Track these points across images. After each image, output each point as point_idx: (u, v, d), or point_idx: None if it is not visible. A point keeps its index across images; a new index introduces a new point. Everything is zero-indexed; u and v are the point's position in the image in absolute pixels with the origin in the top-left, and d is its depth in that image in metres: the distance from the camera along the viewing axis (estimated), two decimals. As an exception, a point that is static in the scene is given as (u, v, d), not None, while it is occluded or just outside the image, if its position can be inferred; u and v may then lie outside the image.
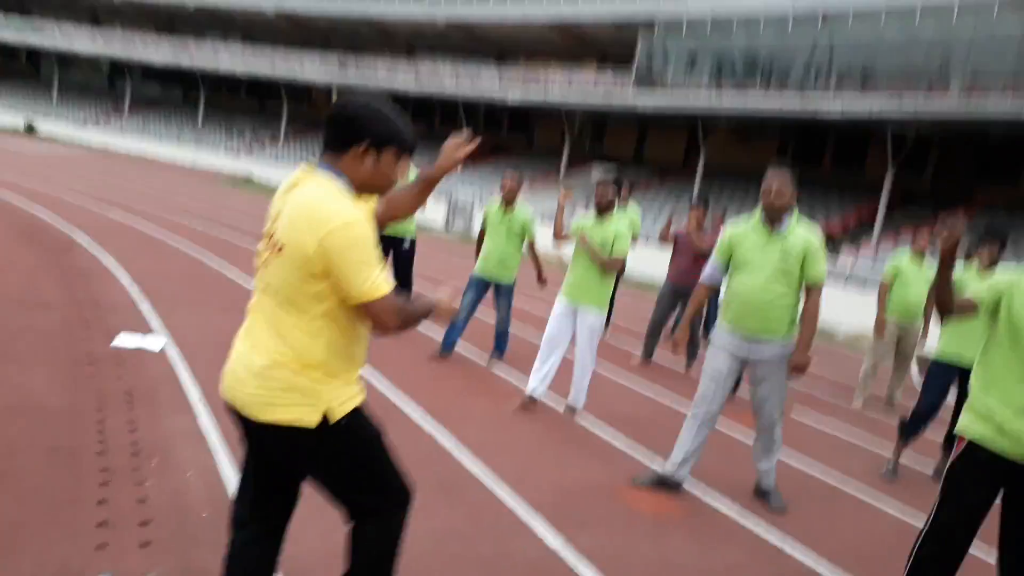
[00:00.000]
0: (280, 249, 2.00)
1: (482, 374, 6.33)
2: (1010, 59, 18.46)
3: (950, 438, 4.85)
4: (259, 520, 2.25)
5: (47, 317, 5.73)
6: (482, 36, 32.90)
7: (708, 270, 4.40)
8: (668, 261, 7.85)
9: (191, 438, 3.96)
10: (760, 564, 3.61)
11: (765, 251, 4.13)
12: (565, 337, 5.43)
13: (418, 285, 8.25)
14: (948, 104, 18.19)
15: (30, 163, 20.22)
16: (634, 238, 8.49)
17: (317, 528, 3.17)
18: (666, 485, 4.30)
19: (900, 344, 7.14)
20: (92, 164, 24.18)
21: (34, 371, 4.55)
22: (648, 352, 7.78)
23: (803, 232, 4.15)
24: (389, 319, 2.02)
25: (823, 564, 3.70)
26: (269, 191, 27.47)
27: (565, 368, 5.66)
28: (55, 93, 42.25)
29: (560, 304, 5.42)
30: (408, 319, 2.08)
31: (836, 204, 22.29)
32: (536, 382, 5.43)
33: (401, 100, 36.65)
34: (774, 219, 4.14)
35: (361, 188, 2.09)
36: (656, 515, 3.97)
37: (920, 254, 6.98)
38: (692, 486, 4.44)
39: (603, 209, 5.40)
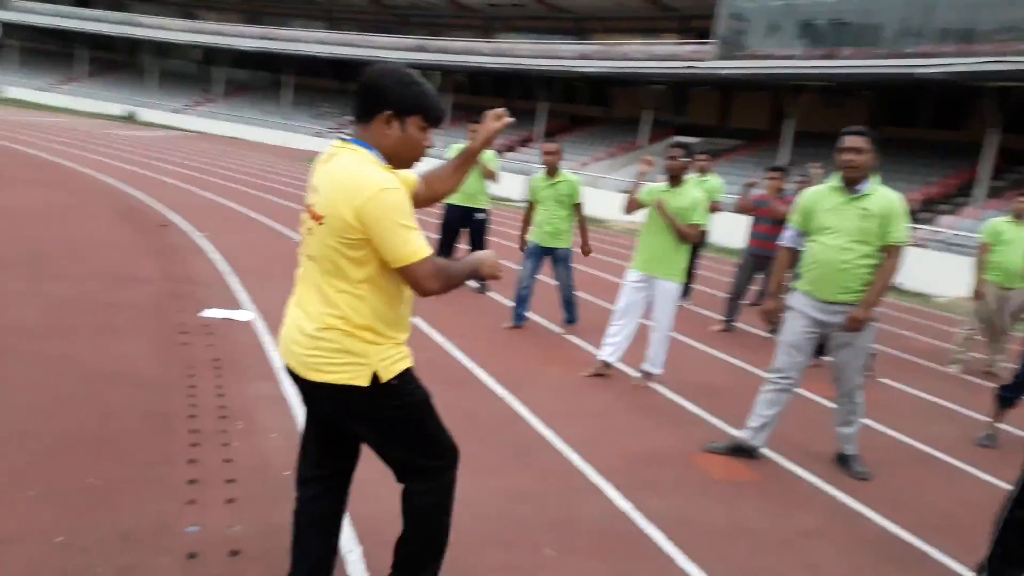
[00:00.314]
0: (320, 220, 2.06)
1: (556, 342, 6.35)
2: None
3: None
4: (322, 477, 2.36)
5: (143, 291, 6.06)
6: (562, 8, 32.55)
7: (787, 234, 4.29)
8: (748, 227, 7.65)
9: (274, 403, 4.13)
10: (837, 529, 3.52)
11: (844, 213, 3.99)
12: (639, 308, 5.37)
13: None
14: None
15: (130, 148, 21.29)
16: (716, 207, 8.33)
17: (389, 487, 3.27)
18: (742, 452, 4.22)
19: (1000, 309, 6.77)
20: (186, 147, 25.25)
21: (131, 342, 4.83)
22: (729, 319, 7.62)
23: (884, 192, 3.99)
24: (429, 282, 2.06)
25: (905, 530, 3.57)
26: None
27: (639, 337, 5.59)
28: (153, 82, 44.18)
29: (633, 275, 5.36)
30: (449, 280, 2.12)
31: (934, 167, 21.13)
32: (610, 349, 5.41)
33: (478, 76, 36.82)
34: (852, 180, 3.99)
35: (392, 158, 2.12)
36: (730, 481, 3.92)
37: (1020, 216, 6.60)
38: (770, 452, 4.35)
39: (676, 176, 5.29)
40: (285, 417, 3.95)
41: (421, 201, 2.43)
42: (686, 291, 8.80)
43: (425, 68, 38.13)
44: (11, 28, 47.57)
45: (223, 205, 12.38)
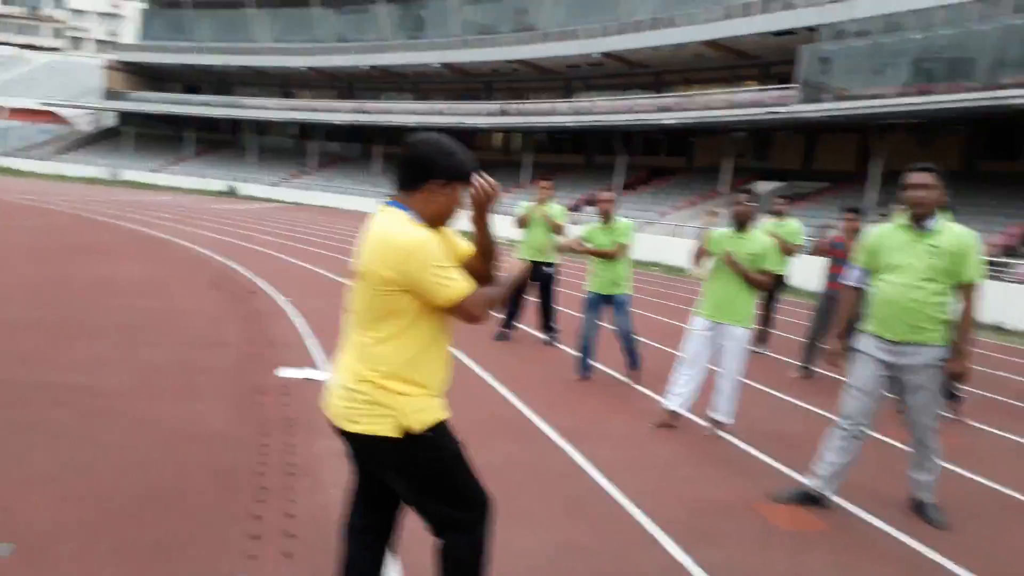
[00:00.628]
0: (361, 277, 2.24)
1: (621, 392, 6.31)
2: None
3: None
4: (368, 527, 2.45)
5: (225, 355, 6.40)
6: (638, 64, 32.94)
7: (853, 273, 4.20)
8: (825, 270, 7.45)
9: (340, 458, 4.18)
10: (909, 583, 3.34)
11: (912, 250, 3.89)
12: (706, 355, 5.30)
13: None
14: None
15: (228, 221, 22.61)
16: (793, 251, 8.18)
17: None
18: (811, 500, 4.07)
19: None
20: (281, 218, 26.60)
21: (210, 403, 5.10)
22: (807, 365, 7.39)
23: (954, 229, 3.89)
24: (478, 312, 2.24)
25: (985, 584, 3.35)
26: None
27: (708, 385, 5.50)
28: (253, 158, 46.96)
29: (700, 322, 5.31)
30: (494, 303, 2.31)
31: (1037, 200, 20.01)
32: (678, 400, 5.34)
33: (557, 135, 37.48)
34: (920, 217, 3.90)
35: (434, 220, 2.29)
36: (796, 531, 3.78)
37: None
38: (840, 500, 4.17)
39: (743, 223, 5.27)
40: (346, 471, 4.07)
41: (472, 271, 2.41)
42: (764, 337, 8.60)
43: (507, 130, 39.25)
44: (127, 116, 51.86)
45: (310, 271, 12.95)
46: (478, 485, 2.36)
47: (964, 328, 3.86)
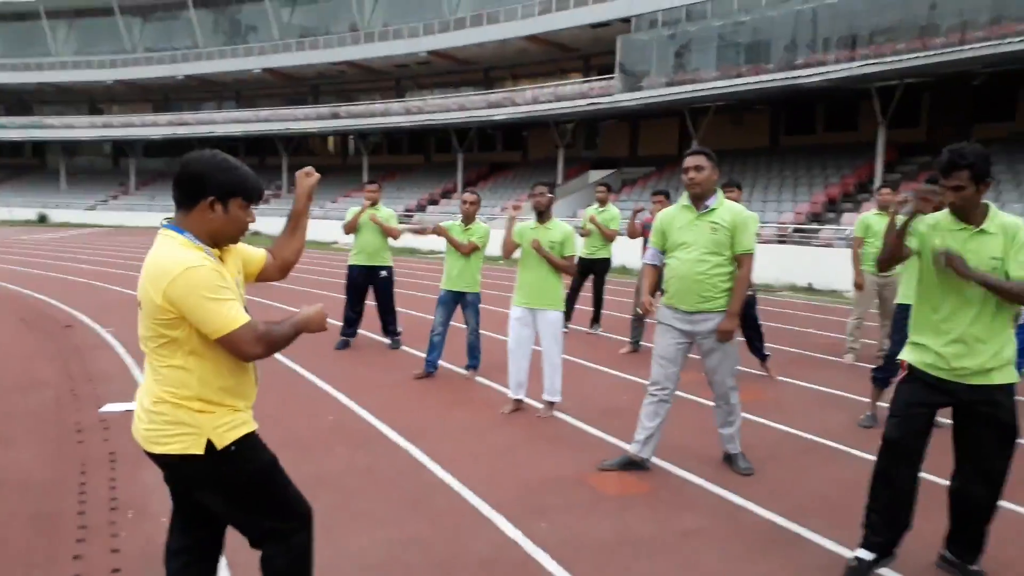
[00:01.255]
0: (139, 305, 2.20)
1: (462, 386, 6.46)
2: (985, 1, 18.43)
3: None
4: (189, 547, 2.42)
5: (40, 396, 5.97)
6: (466, 61, 33.31)
7: (648, 253, 4.52)
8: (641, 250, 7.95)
9: (167, 489, 4.12)
10: (718, 526, 3.69)
11: (695, 229, 4.25)
12: (528, 341, 5.56)
13: (402, 306, 8.44)
14: (928, 54, 18.05)
15: (37, 252, 20.84)
16: (614, 235, 8.64)
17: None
18: (633, 466, 4.38)
19: (881, 296, 7.17)
20: (99, 243, 24.82)
21: (25, 448, 4.77)
22: (636, 341, 7.86)
23: (730, 206, 4.30)
24: (249, 347, 2.17)
25: (783, 517, 3.77)
26: (278, 244, 27.88)
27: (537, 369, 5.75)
28: (62, 181, 43.42)
29: (517, 310, 5.55)
30: (273, 343, 2.22)
31: (834, 169, 22.15)
32: (514, 386, 5.60)
33: (394, 135, 37.28)
34: (697, 198, 4.27)
35: (215, 238, 2.25)
36: (622, 496, 4.06)
37: (886, 209, 7.04)
38: (661, 461, 4.52)
39: (543, 213, 5.54)
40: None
41: (273, 272, 2.56)
42: (597, 318, 9.05)
43: (340, 133, 38.55)
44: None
45: (133, 296, 12.20)
46: (295, 494, 2.38)
47: (737, 293, 4.24)
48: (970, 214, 3.02)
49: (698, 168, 4.23)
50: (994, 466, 3.08)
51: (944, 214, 3.10)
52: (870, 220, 7.15)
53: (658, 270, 4.50)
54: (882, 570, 3.22)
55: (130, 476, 4.28)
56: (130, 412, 5.33)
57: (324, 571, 3.17)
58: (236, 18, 40.05)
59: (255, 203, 2.29)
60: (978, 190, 2.96)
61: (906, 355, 3.21)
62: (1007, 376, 3.04)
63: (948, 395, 3.08)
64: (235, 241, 2.33)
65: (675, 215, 4.37)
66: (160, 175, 44.17)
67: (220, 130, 38.09)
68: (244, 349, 2.17)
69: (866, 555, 3.16)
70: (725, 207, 4.28)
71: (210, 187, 2.19)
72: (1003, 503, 3.94)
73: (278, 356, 7.49)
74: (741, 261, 4.24)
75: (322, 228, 30.02)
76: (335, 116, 35.50)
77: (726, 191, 7.50)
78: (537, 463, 4.57)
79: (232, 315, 2.13)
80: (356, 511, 3.82)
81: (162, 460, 2.24)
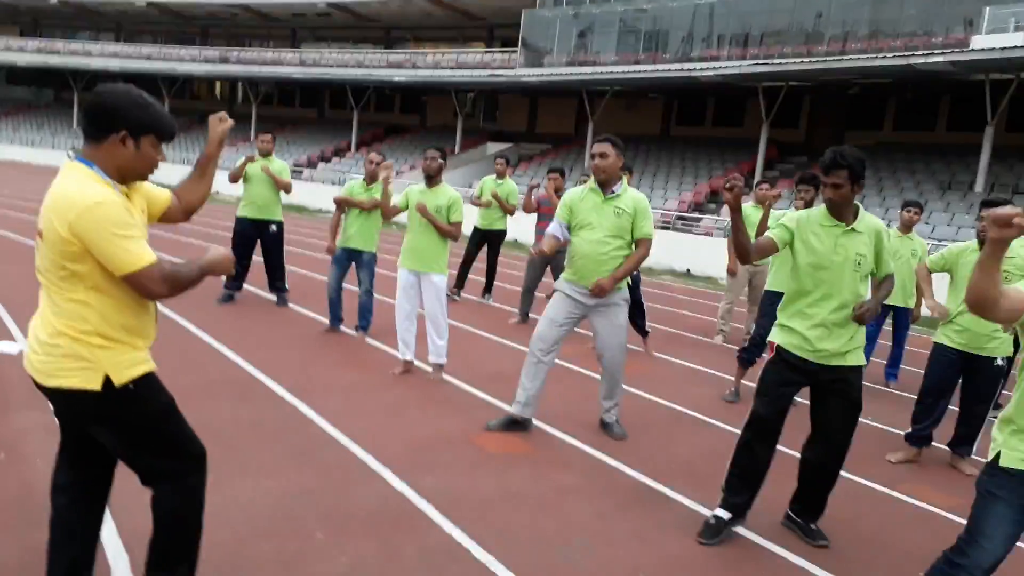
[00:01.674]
0: (41, 235, 2.14)
1: (354, 347, 6.50)
2: (865, 16, 19.75)
3: None
4: (76, 483, 2.41)
5: None
6: (367, 17, 32.50)
7: (553, 225, 4.68)
8: (535, 225, 8.18)
9: (43, 431, 3.99)
10: (592, 484, 3.96)
11: (600, 212, 4.48)
12: (414, 304, 5.66)
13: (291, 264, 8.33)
14: (811, 60, 19.16)
15: None
16: (511, 209, 8.82)
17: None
18: (517, 426, 4.60)
19: (752, 283, 7.69)
20: (-43, 176, 22.87)
21: None
22: (524, 312, 8.10)
23: (633, 193, 4.54)
24: (155, 286, 2.16)
25: (651, 478, 4.09)
26: (156, 190, 26.51)
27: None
28: (-88, 104, 39.56)
29: (403, 273, 5.64)
30: (178, 283, 2.22)
31: (719, 161, 23.23)
32: (403, 348, 5.69)
33: (286, 87, 35.97)
34: (603, 183, 4.49)
35: (123, 174, 2.21)
36: (504, 454, 4.26)
37: (761, 202, 7.53)
38: (544, 424, 4.77)
39: (432, 177, 5.62)
40: (54, 443, 3.82)
41: (177, 214, 2.54)
42: (489, 288, 9.24)
43: (229, 79, 36.82)
44: None
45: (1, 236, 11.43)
46: (191, 435, 2.39)
47: (627, 264, 4.48)
48: (843, 212, 3.37)
49: (603, 155, 4.45)
50: (841, 437, 3.49)
51: (819, 211, 3.43)
52: (747, 212, 7.63)
53: (558, 242, 4.64)
54: (736, 528, 3.57)
55: (2, 419, 4.11)
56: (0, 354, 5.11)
57: (212, 519, 3.19)
58: (122, -56, 37.36)
59: (167, 142, 2.27)
60: (853, 189, 3.30)
61: (775, 336, 3.55)
62: (858, 359, 3.45)
63: (808, 375, 3.44)
64: (143, 179, 2.30)
65: (583, 196, 4.58)
66: (26, 106, 40.97)
67: (96, 63, 35.60)
68: (149, 288, 2.16)
69: (724, 514, 3.50)
70: (628, 194, 4.53)
71: (123, 121, 2.15)
72: (842, 473, 4.43)
73: (158, 304, 7.26)
74: (640, 243, 4.51)
75: (205, 177, 28.61)
76: (224, 60, 33.91)
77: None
78: (425, 422, 4.71)
79: (139, 253, 2.11)
80: (242, 462, 3.84)
81: (56, 394, 2.20)
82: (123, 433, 2.27)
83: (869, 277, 3.48)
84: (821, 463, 3.54)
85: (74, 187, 2.10)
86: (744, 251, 3.43)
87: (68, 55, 36.55)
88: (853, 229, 3.37)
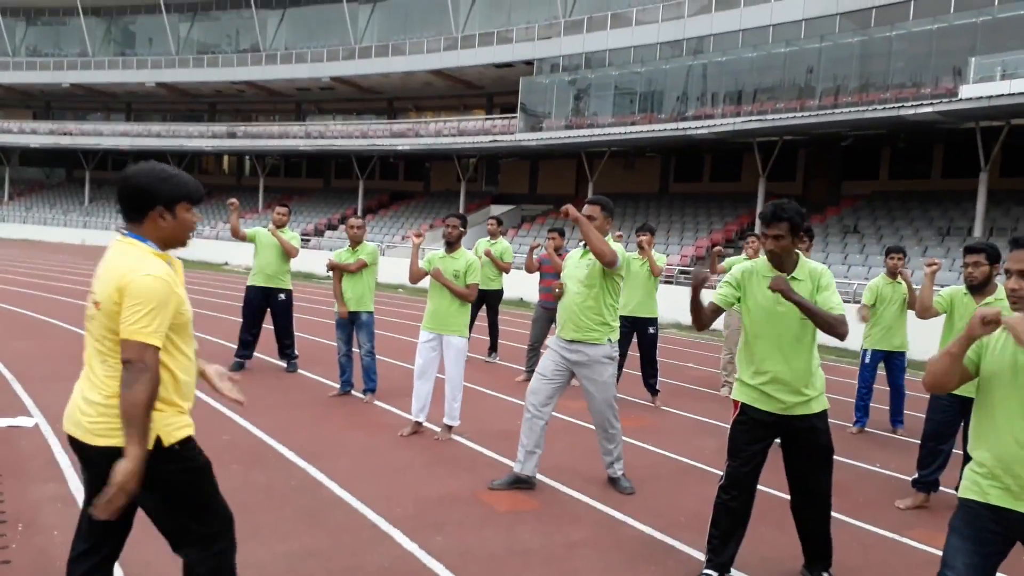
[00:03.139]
0: (97, 305, 2.29)
1: (359, 409, 6.58)
2: (855, 69, 20.29)
3: None
4: (96, 549, 2.46)
5: (-89, 409, 5.69)
6: (370, 90, 33.43)
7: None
8: (538, 284, 8.33)
9: (60, 502, 4.08)
10: (600, 538, 4.00)
11: (578, 266, 4.69)
12: (434, 365, 5.78)
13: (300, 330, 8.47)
14: (804, 115, 19.60)
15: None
16: (507, 268, 8.98)
17: (178, 564, 3.39)
18: (522, 484, 4.65)
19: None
20: (-29, 256, 23.29)
21: None
22: (531, 369, 8.18)
23: (613, 245, 4.68)
24: (140, 367, 2.19)
25: (658, 531, 4.13)
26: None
27: (439, 394, 5.96)
28: (-72, 188, 40.50)
29: (424, 335, 5.77)
30: (151, 389, 2.22)
31: (717, 215, 23.53)
32: (416, 409, 5.79)
33: (292, 159, 36.80)
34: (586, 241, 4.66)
35: (168, 243, 2.40)
36: (512, 511, 4.31)
37: (755, 253, 7.71)
38: (550, 480, 4.82)
39: (451, 244, 5.81)
40: (71, 514, 3.90)
41: None
42: (494, 347, 9.34)
43: (236, 154, 37.70)
44: None
45: (11, 312, 11.63)
46: (222, 501, 2.49)
47: (595, 233, 4.48)
48: (784, 262, 3.48)
49: (591, 218, 4.63)
50: (818, 483, 3.53)
51: (761, 261, 3.55)
52: (741, 265, 7.79)
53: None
54: (742, 576, 3.60)
55: (18, 491, 4.19)
56: (12, 428, 5.22)
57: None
58: (130, 28, 38.78)
59: (198, 204, 2.43)
60: (793, 241, 3.43)
61: (737, 394, 3.60)
62: (821, 404, 3.50)
63: (776, 427, 3.49)
64: (184, 244, 2.47)
65: (573, 254, 4.80)
66: (38, 186, 41.91)
67: (107, 142, 36.60)
68: (133, 360, 2.20)
69: (713, 573, 3.51)
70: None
71: (157, 198, 2.33)
72: (851, 520, 4.45)
73: (170, 376, 7.36)
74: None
75: (214, 249, 29.23)
76: (231, 135, 34.81)
77: (639, 234, 7.97)
78: (433, 482, 4.76)
79: (156, 331, 2.22)
80: (254, 526, 3.90)
81: (104, 452, 2.26)
82: (164, 492, 2.35)
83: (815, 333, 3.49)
84: (808, 513, 3.58)
85: (128, 258, 2.29)
86: (699, 322, 3.58)
87: (80, 136, 37.57)
88: (794, 278, 3.45)
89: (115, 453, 2.23)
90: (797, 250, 3.52)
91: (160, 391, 2.27)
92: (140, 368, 2.20)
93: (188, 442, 2.38)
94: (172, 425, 2.32)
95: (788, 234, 3.40)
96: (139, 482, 2.21)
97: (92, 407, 2.29)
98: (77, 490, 4.21)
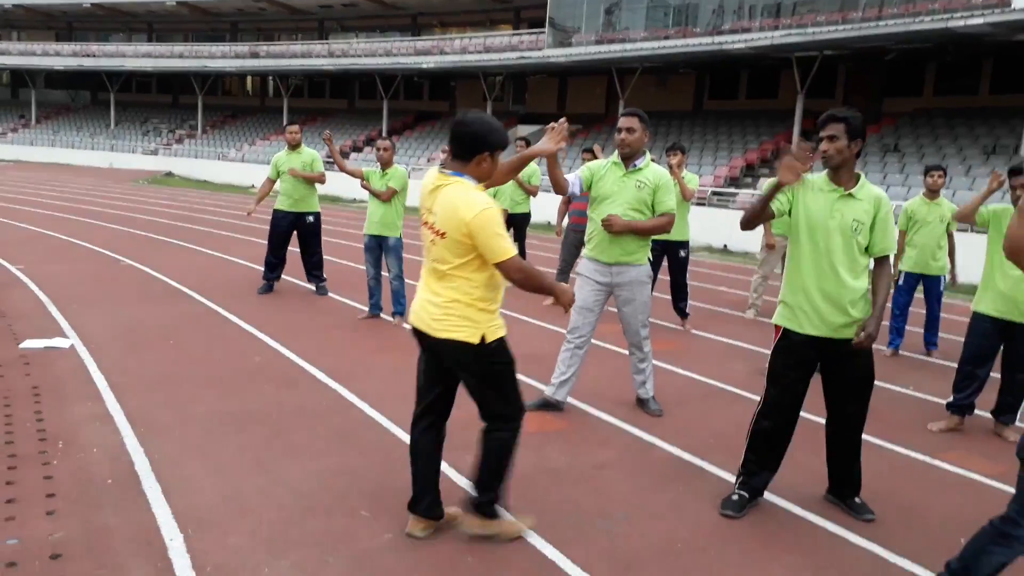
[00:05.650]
0: (443, 235, 2.84)
1: (389, 332, 6.62)
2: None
3: None
4: (428, 414, 3.17)
5: (-48, 330, 5.82)
6: (394, 6, 32.57)
7: (573, 176, 4.56)
8: (568, 207, 8.20)
9: (98, 421, 4.17)
10: (628, 460, 4.00)
11: (621, 185, 4.48)
12: None
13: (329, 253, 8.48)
14: (846, 28, 18.74)
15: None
16: (534, 191, 8.82)
17: (211, 481, 3.46)
18: (550, 407, 4.65)
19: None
20: (0, 178, 23.53)
21: (-61, 380, 4.68)
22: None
23: (655, 168, 4.54)
24: (513, 273, 2.85)
25: (687, 452, 4.13)
26: (193, 184, 27.05)
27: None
28: (-43, 111, 40.71)
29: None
30: (529, 279, 2.90)
31: (753, 134, 22.89)
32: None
33: (316, 79, 36.26)
34: (627, 157, 4.50)
35: (479, 180, 2.92)
36: (540, 432, 4.32)
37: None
38: (579, 403, 4.82)
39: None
40: (109, 433, 4.01)
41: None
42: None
43: (260, 74, 37.23)
44: None
45: (44, 235, 11.78)
46: (519, 391, 3.09)
47: (645, 223, 4.45)
48: (842, 174, 3.30)
49: (630, 130, 4.46)
50: (855, 411, 3.45)
51: (821, 176, 3.38)
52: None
53: (565, 188, 4.45)
54: (777, 499, 3.59)
55: (56, 410, 4.29)
56: (50, 349, 5.32)
57: (260, 498, 3.35)
58: (150, -55, 37.87)
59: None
60: (850, 146, 3.24)
61: (779, 319, 3.46)
62: None
63: (818, 352, 3.37)
64: (489, 182, 2.99)
65: (606, 167, 4.58)
66: (64, 108, 41.91)
67: (130, 63, 36.30)
68: (509, 274, 2.85)
69: (744, 493, 3.49)
70: (651, 168, 4.53)
71: (487, 145, 2.85)
72: (883, 443, 4.41)
73: (200, 297, 7.45)
74: (664, 216, 4.51)
75: (239, 171, 29.24)
76: (254, 55, 34.28)
77: (670, 154, 7.72)
78: (463, 403, 4.70)
79: (508, 247, 2.81)
80: (287, 444, 3.96)
81: (445, 344, 2.91)
82: (482, 379, 3.00)
83: (869, 258, 3.36)
84: (841, 439, 3.52)
85: (468, 196, 2.81)
86: (753, 220, 3.43)
87: (103, 57, 37.25)
88: (851, 195, 3.29)
89: (449, 344, 2.90)
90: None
91: (485, 297, 2.89)
92: (518, 272, 2.83)
93: (503, 340, 2.97)
94: (494, 326, 2.94)
95: (844, 136, 3.22)
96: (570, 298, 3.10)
97: (436, 308, 2.91)
98: (114, 409, 4.31)
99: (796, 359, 3.41)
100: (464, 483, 3.54)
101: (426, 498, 3.12)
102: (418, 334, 3.03)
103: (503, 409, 3.04)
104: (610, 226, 4.40)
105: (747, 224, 3.49)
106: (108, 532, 3.02)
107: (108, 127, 38.53)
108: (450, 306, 2.88)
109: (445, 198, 2.83)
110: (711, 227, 16.27)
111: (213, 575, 2.75)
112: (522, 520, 3.22)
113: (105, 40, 40.02)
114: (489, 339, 2.90)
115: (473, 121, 2.86)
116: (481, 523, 3.12)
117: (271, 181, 7.75)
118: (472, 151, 2.84)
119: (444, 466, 3.41)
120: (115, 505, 3.23)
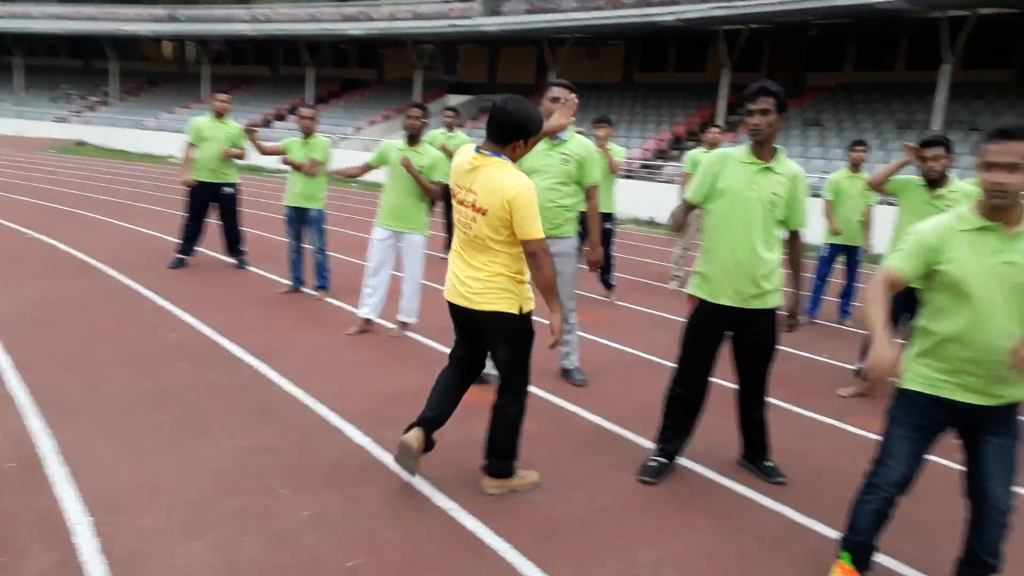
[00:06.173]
0: (484, 212, 3.00)
1: (312, 307, 6.49)
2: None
3: None
4: (462, 360, 3.42)
5: None
6: (318, -31, 31.58)
7: None
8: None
9: (0, 402, 3.97)
10: (551, 430, 4.05)
11: (547, 158, 4.48)
12: (390, 263, 5.65)
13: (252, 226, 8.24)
14: (771, 3, 19.06)
15: None
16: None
17: (125, 463, 3.34)
18: (480, 380, 4.64)
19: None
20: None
21: None
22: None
23: (580, 140, 4.53)
24: (541, 255, 3.03)
25: (609, 421, 4.21)
26: (108, 154, 25.88)
27: (395, 290, 5.88)
28: None
29: (380, 233, 5.60)
30: (548, 266, 3.05)
31: (681, 108, 23.19)
32: (367, 307, 5.67)
33: (238, 45, 35.01)
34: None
35: (513, 161, 3.07)
36: (466, 404, 4.25)
37: (712, 146, 7.60)
38: (504, 377, 4.82)
39: (415, 136, 5.56)
40: (10, 414, 3.82)
41: None
42: (448, 244, 9.22)
43: (178, 39, 35.72)
44: None
45: (42, 205, 11.12)
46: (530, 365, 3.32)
47: (593, 225, 4.57)
48: (765, 148, 3.37)
49: (557, 100, 4.43)
50: (760, 374, 3.58)
51: (741, 149, 3.44)
52: (698, 157, 7.70)
53: None
54: (693, 464, 3.68)
55: None
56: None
57: (177, 478, 3.26)
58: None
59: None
60: (777, 120, 3.31)
61: (693, 288, 3.55)
62: (776, 300, 3.47)
63: (729, 321, 3.46)
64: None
65: (536, 148, 4.56)
66: (-34, 72, 39.33)
67: (37, 25, 34.28)
68: (537, 255, 3.03)
69: (662, 459, 3.60)
70: (576, 140, 4.53)
71: (525, 132, 3.04)
72: (795, 408, 4.57)
73: (112, 272, 7.17)
74: (591, 193, 4.53)
75: (157, 140, 28.19)
76: (172, 19, 32.81)
77: (597, 126, 7.70)
78: (387, 378, 4.74)
79: (540, 228, 3.02)
80: (204, 423, 3.86)
81: (488, 315, 3.11)
82: (512, 347, 3.20)
83: (782, 231, 3.47)
84: (749, 403, 3.64)
85: (509, 176, 2.99)
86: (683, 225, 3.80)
87: (8, 18, 35.05)
88: (770, 168, 3.36)
89: (492, 315, 3.11)
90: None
91: (523, 269, 3.11)
92: (542, 254, 3.03)
93: (530, 313, 3.17)
94: (528, 298, 3.16)
95: (774, 110, 3.29)
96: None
97: (476, 283, 3.10)
98: (15, 390, 4.12)
99: (708, 328, 3.50)
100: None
101: (431, 416, 3.32)
102: (454, 308, 3.24)
103: (520, 382, 3.26)
104: (595, 264, 4.71)
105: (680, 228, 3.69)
106: (8, 518, 2.89)
107: (11, 92, 36.42)
108: (494, 279, 3.08)
109: (487, 177, 3.00)
110: (638, 199, 16.47)
111: (122, 559, 2.66)
112: (529, 474, 3.44)
113: (9, 1, 37.63)
114: (525, 309, 3.14)
115: (514, 109, 3.00)
116: (500, 483, 3.34)
117: (192, 146, 7.44)
118: (510, 137, 3.02)
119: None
120: (17, 490, 3.09)
